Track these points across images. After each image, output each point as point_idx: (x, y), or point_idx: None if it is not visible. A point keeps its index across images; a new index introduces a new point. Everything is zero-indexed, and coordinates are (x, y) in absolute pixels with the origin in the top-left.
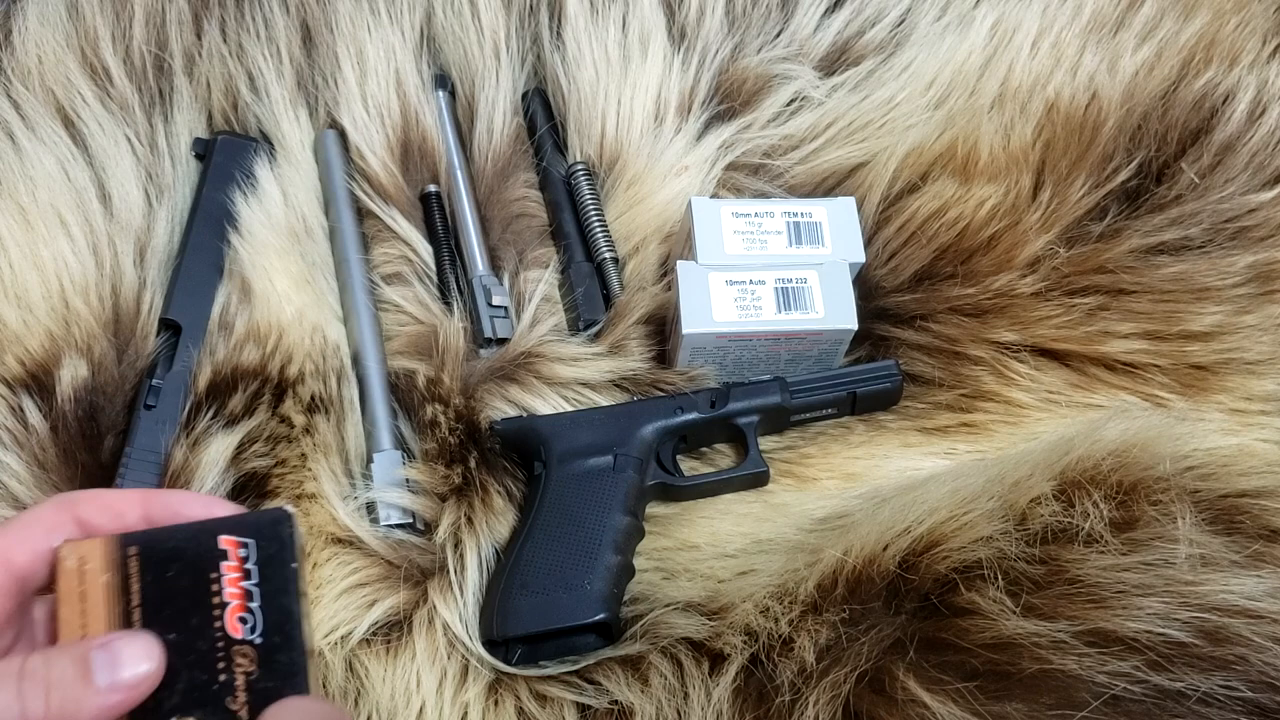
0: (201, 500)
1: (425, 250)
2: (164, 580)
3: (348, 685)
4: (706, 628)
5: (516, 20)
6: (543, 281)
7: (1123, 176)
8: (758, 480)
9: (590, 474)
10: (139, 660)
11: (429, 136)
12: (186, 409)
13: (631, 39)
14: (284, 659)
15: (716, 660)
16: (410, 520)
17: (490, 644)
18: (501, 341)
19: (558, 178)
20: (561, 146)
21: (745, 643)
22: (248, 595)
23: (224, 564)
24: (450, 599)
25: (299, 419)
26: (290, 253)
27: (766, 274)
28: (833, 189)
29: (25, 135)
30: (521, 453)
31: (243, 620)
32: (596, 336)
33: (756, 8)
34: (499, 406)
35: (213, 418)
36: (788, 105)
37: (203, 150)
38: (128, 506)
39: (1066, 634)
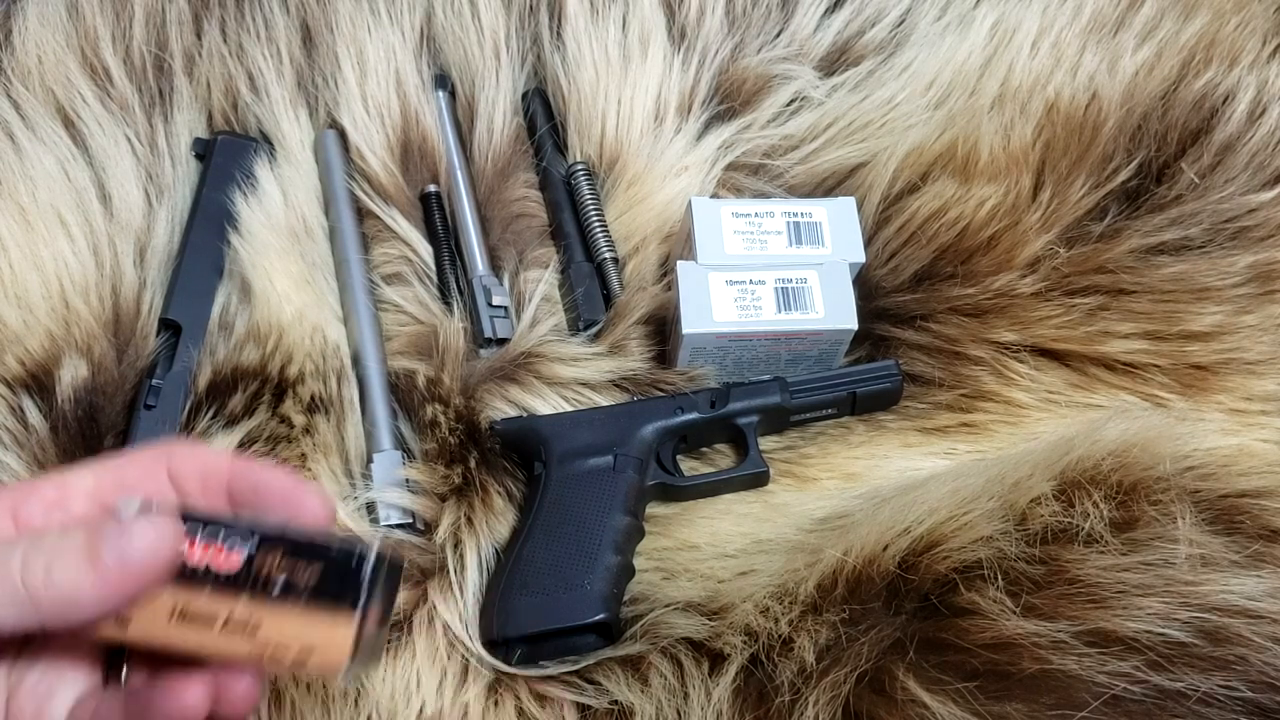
0: (286, 476)
1: (425, 250)
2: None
3: (347, 685)
4: (706, 628)
5: (516, 20)
6: (543, 281)
7: (1123, 176)
8: (758, 480)
9: (590, 474)
10: (154, 545)
11: (429, 136)
12: (186, 409)
13: (631, 39)
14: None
15: (716, 660)
16: (410, 520)
17: (490, 644)
18: (501, 341)
19: (558, 178)
20: (561, 146)
21: (745, 643)
22: None
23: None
24: (450, 599)
25: (299, 419)
26: (290, 253)
27: (766, 274)
28: (833, 189)
29: (25, 135)
30: (521, 453)
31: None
32: (596, 336)
33: (756, 8)
34: (499, 406)
35: (213, 418)
36: (788, 105)
37: (203, 150)
38: (216, 466)
39: (1066, 634)
